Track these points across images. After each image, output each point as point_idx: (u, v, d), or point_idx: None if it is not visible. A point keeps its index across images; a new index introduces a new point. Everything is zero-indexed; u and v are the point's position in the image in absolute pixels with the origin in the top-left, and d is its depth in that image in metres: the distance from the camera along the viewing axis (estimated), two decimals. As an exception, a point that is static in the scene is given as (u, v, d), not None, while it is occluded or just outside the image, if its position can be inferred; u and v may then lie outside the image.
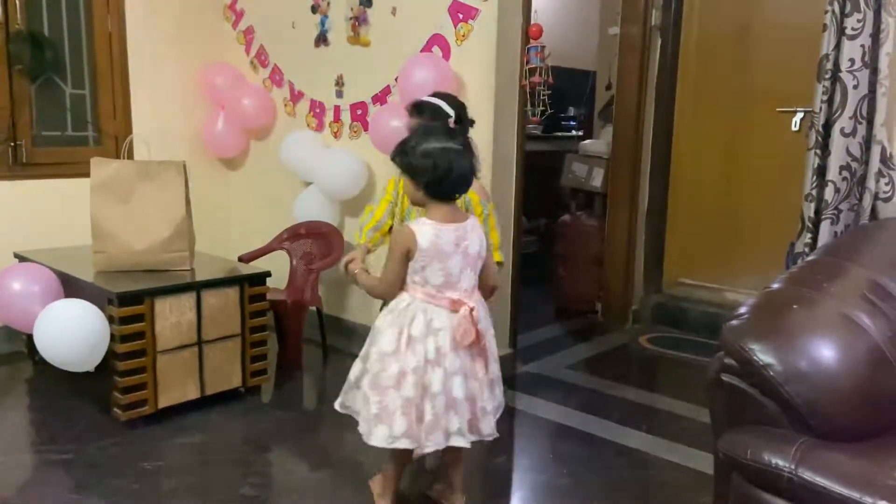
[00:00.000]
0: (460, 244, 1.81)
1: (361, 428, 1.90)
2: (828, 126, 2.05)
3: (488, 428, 1.91)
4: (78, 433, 2.55)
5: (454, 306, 1.80)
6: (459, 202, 1.94)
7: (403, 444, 1.83)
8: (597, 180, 4.19)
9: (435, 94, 2.19)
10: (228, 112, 3.86)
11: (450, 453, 2.00)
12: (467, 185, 1.83)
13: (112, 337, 2.52)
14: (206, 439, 2.56)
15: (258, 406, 2.88)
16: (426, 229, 1.79)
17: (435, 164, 1.75)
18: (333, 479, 2.34)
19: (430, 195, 1.80)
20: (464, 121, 2.11)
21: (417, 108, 2.13)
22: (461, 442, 1.85)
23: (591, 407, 2.87)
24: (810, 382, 1.42)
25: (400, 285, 1.87)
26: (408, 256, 1.80)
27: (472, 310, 1.80)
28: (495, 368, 1.94)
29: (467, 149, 1.82)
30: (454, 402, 1.82)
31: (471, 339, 1.78)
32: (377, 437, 1.84)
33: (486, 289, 1.97)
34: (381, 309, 2.00)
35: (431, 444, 1.81)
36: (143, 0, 3.70)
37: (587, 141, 4.46)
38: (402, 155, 1.82)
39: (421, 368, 1.80)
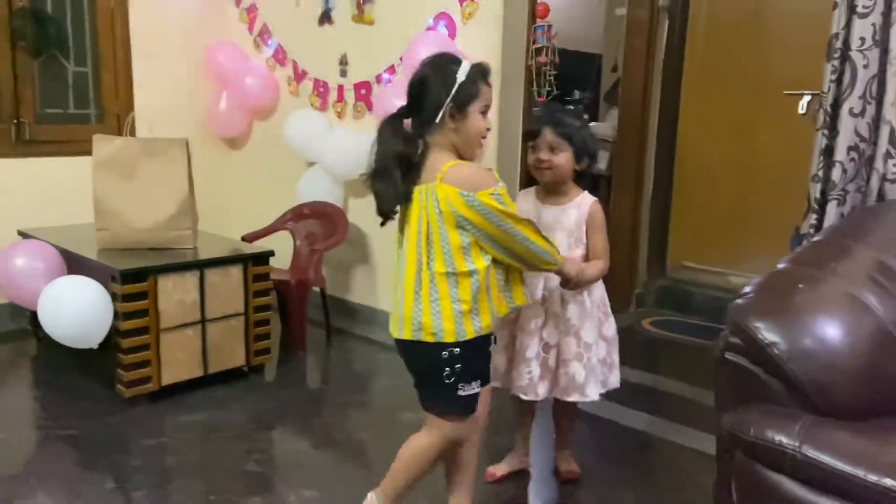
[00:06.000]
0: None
1: None
2: (836, 106, 2.03)
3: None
4: (83, 409, 2.56)
5: None
6: None
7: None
8: (602, 163, 4.17)
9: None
10: (231, 91, 3.85)
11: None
12: None
13: (115, 314, 2.53)
14: (209, 417, 2.56)
15: (262, 385, 2.89)
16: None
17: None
18: (337, 456, 2.35)
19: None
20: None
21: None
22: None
23: (594, 388, 2.86)
24: (815, 361, 1.41)
25: None
26: None
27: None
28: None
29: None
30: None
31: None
32: None
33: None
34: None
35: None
36: (145, -23, 3.68)
37: (593, 124, 4.43)
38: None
39: None
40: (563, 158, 1.97)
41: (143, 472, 2.16)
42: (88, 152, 2.75)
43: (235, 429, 2.50)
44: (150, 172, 2.75)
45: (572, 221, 2.03)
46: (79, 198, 3.04)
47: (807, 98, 2.80)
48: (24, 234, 3.08)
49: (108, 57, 3.67)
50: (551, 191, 2.05)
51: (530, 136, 2.03)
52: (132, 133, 3.23)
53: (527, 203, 2.06)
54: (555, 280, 1.96)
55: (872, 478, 1.24)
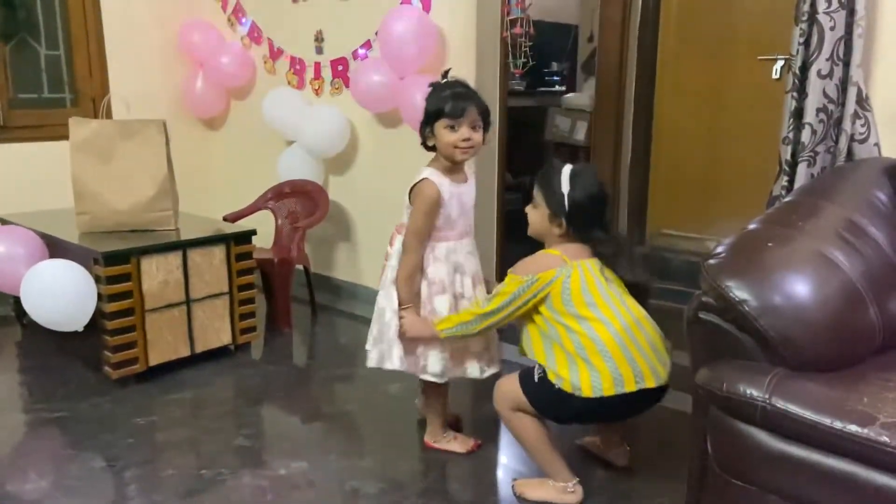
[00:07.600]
0: None
1: None
2: (805, 68, 2.06)
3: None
4: (70, 392, 2.58)
5: None
6: None
7: None
8: (580, 134, 4.20)
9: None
10: (207, 71, 3.82)
11: None
12: None
13: (99, 296, 2.53)
14: (198, 394, 2.59)
15: (249, 362, 2.92)
16: None
17: None
18: (325, 429, 2.38)
19: None
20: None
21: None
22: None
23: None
24: (784, 316, 1.45)
25: None
26: None
27: None
28: None
29: None
30: None
31: None
32: None
33: None
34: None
35: None
36: (115, -43, 3.63)
37: (570, 94, 4.46)
38: None
39: None
40: (481, 135, 1.96)
41: (134, 450, 2.18)
42: (65, 136, 2.74)
43: (224, 405, 2.53)
44: (128, 154, 2.74)
45: (474, 198, 2.09)
46: (57, 183, 3.03)
47: (780, 63, 2.83)
48: (2, 220, 3.07)
49: (81, 39, 3.63)
50: (454, 170, 2.02)
51: (441, 114, 1.93)
52: (108, 115, 3.20)
53: (444, 185, 1.98)
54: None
55: (838, 425, 1.29)
